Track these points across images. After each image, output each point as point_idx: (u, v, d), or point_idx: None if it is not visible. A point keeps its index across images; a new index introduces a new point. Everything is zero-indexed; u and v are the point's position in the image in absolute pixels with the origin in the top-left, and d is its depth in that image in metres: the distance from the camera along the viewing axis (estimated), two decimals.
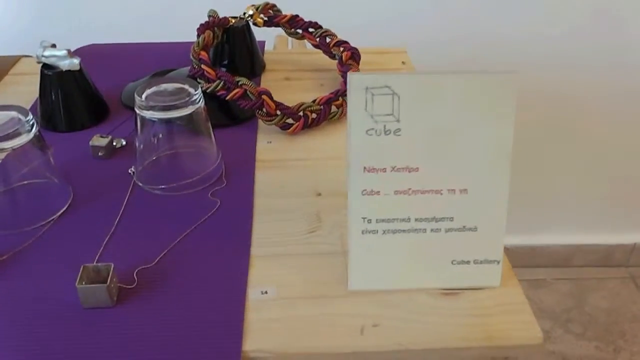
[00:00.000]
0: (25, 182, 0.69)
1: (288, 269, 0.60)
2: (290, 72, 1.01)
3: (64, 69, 0.81)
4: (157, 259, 0.61)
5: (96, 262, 0.60)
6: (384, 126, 0.53)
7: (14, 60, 1.06)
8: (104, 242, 0.64)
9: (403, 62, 1.04)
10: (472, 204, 0.56)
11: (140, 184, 0.72)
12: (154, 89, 0.70)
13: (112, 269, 0.56)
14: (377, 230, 0.56)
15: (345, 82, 0.89)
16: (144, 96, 0.69)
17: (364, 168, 0.54)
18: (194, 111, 0.69)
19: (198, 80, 0.84)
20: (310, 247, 0.63)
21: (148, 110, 0.68)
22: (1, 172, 0.66)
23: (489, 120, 0.53)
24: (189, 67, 0.86)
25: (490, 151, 0.54)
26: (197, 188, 0.71)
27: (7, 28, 1.43)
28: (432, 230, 0.56)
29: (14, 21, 1.42)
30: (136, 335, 0.54)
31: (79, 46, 1.09)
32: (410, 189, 0.55)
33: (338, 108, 0.85)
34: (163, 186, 0.71)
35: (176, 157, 0.74)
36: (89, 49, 1.09)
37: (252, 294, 0.58)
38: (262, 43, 1.08)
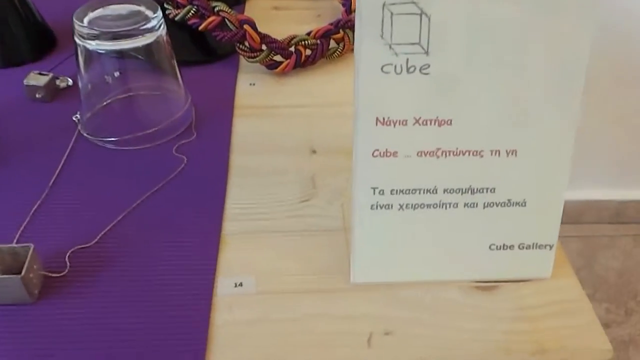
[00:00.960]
0: None
1: (271, 252, 0.46)
2: (280, 0, 0.84)
3: None
4: (98, 236, 0.46)
5: (15, 242, 0.45)
6: (407, 61, 0.37)
7: None
8: (31, 211, 0.49)
9: None
10: (523, 170, 0.41)
11: (87, 135, 0.57)
12: (99, 11, 0.54)
13: (31, 251, 0.42)
14: (392, 205, 0.41)
15: (347, 11, 0.72)
16: (85, 20, 0.52)
17: (377, 120, 0.39)
18: (152, 41, 0.54)
19: (165, 5, 0.68)
20: (301, 222, 0.48)
21: (92, 39, 0.52)
22: None
23: (556, 46, 0.37)
24: None
25: (552, 92, 0.38)
26: (158, 141, 0.56)
27: None
28: (466, 205, 0.41)
29: None
30: (62, 341, 0.40)
31: None
32: (439, 148, 0.40)
33: (338, 43, 0.69)
34: (115, 138, 0.55)
35: (132, 101, 0.59)
36: None
37: (222, 286, 0.43)
38: None
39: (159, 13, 0.53)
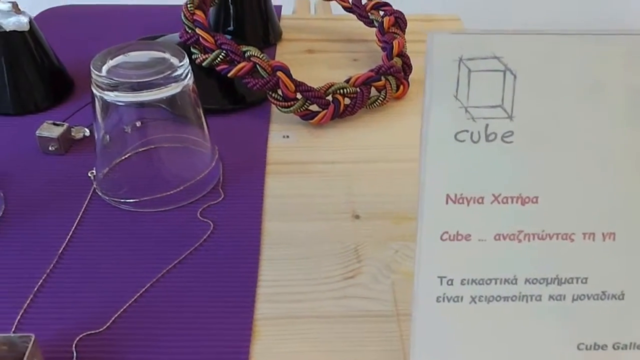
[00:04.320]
0: None
1: (311, 344, 0.39)
2: (313, 42, 0.78)
3: (8, 29, 0.59)
4: (110, 321, 0.40)
5: (15, 327, 0.39)
6: (486, 127, 0.31)
7: None
8: (35, 287, 0.42)
9: None
10: (621, 258, 0.34)
11: (102, 194, 0.51)
12: (119, 58, 0.48)
13: (31, 344, 0.35)
14: (462, 297, 0.34)
15: (388, 56, 0.66)
16: (104, 69, 0.47)
17: (448, 197, 0.32)
18: (178, 92, 0.48)
19: (192, 49, 0.62)
20: (345, 305, 0.41)
21: (111, 90, 0.46)
22: None
23: None
24: (180, 32, 0.64)
25: None
26: (181, 203, 0.50)
27: None
28: (551, 297, 0.34)
29: None
30: None
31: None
32: (521, 231, 0.33)
33: (380, 91, 0.63)
34: (133, 200, 0.49)
35: (153, 155, 0.53)
36: (60, 10, 0.87)
37: None
38: (278, 8, 0.85)
39: (186, 61, 0.48)
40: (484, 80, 0.30)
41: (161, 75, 0.46)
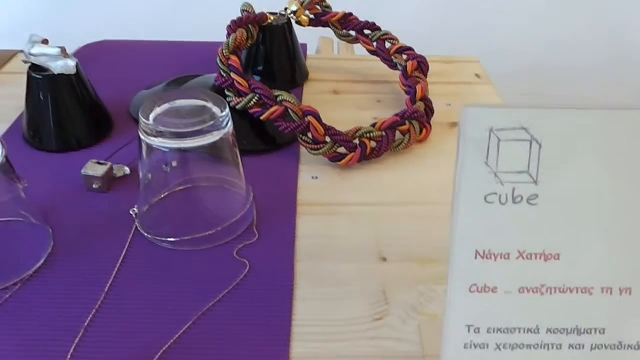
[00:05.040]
0: None
1: None
2: (338, 82, 0.82)
3: (56, 72, 0.63)
4: (155, 358, 0.43)
5: None
6: (513, 190, 0.34)
7: (8, 57, 0.89)
8: (85, 323, 0.45)
9: (477, 75, 0.85)
10: (637, 311, 0.36)
11: (144, 232, 0.54)
12: (165, 106, 0.52)
13: None
14: (488, 344, 0.37)
15: (412, 100, 0.69)
16: (151, 117, 0.50)
17: (477, 253, 0.35)
18: (218, 139, 0.51)
19: (226, 92, 0.66)
20: (375, 346, 0.44)
21: (156, 137, 0.50)
22: None
23: None
24: (215, 75, 0.67)
25: None
26: (218, 242, 0.53)
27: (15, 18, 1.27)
28: (571, 346, 0.37)
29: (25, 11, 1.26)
30: None
31: (87, 42, 0.92)
32: (543, 285, 0.36)
33: (404, 135, 0.66)
34: (173, 238, 0.52)
35: (192, 194, 0.56)
36: (96, 46, 0.91)
37: None
38: (304, 46, 0.89)
39: (227, 110, 0.51)
40: (512, 148, 0.33)
41: (204, 125, 0.49)
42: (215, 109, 0.51)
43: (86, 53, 0.89)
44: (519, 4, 1.30)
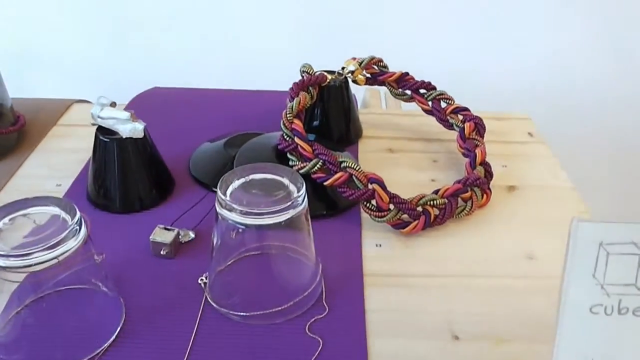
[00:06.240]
0: (62, 288, 0.52)
1: None
2: (392, 140, 0.82)
3: (124, 136, 0.64)
4: None
5: None
6: (619, 302, 0.34)
7: (65, 107, 0.90)
8: None
9: (530, 134, 0.85)
10: None
11: (214, 304, 0.54)
12: (241, 181, 0.52)
13: None
14: None
15: (471, 164, 0.69)
16: (228, 193, 0.51)
17: None
18: (294, 215, 0.51)
19: (289, 156, 0.66)
20: None
21: (231, 211, 0.50)
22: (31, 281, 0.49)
23: None
24: (277, 135, 0.68)
25: None
26: (289, 316, 0.53)
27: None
28: None
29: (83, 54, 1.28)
30: None
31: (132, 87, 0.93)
32: None
33: (466, 202, 0.66)
34: (244, 313, 0.52)
35: (263, 262, 0.56)
36: (147, 95, 0.93)
37: None
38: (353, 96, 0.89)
39: (304, 189, 0.51)
40: (621, 262, 0.33)
41: (281, 206, 0.49)
42: (292, 187, 0.51)
43: (139, 103, 0.91)
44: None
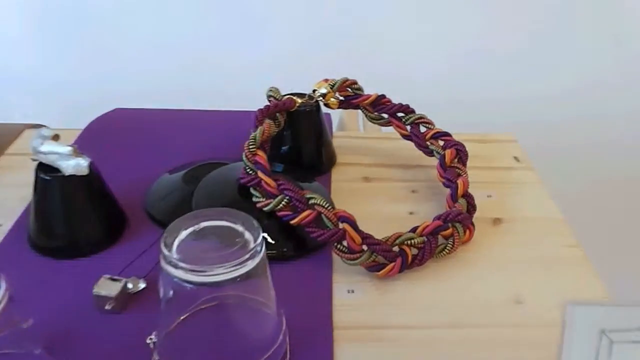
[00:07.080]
0: None
1: None
2: (368, 168, 0.76)
3: (66, 173, 0.58)
4: None
5: None
6: None
7: (16, 132, 0.83)
8: None
9: (516, 158, 0.79)
10: None
11: None
12: (189, 230, 0.46)
13: None
14: None
15: (452, 197, 0.64)
16: (175, 246, 0.44)
17: None
18: (251, 268, 0.45)
19: (252, 191, 0.60)
20: None
21: (179, 270, 0.44)
22: None
23: None
24: (240, 173, 0.62)
25: None
26: None
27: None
28: None
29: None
30: None
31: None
32: None
33: (447, 239, 0.60)
34: None
35: (219, 316, 0.50)
36: (107, 118, 0.86)
37: None
38: (328, 118, 0.83)
39: (261, 238, 0.45)
40: (628, 350, 0.27)
41: (237, 260, 0.43)
42: (248, 235, 0.45)
43: (98, 125, 0.84)
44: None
